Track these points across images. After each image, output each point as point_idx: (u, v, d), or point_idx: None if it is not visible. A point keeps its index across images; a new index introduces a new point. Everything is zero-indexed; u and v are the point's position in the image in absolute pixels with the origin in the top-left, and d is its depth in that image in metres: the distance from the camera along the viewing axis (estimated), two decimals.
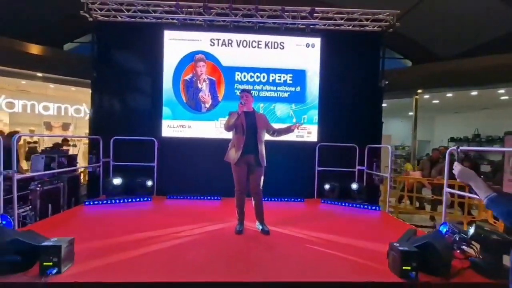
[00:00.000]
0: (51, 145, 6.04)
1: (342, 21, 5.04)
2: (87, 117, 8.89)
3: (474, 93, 8.19)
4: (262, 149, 3.20)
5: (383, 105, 5.39)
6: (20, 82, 7.72)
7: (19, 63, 7.17)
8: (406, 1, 7.29)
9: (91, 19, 4.98)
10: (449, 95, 8.59)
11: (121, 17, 5.02)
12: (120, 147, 4.89)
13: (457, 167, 1.56)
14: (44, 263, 2.04)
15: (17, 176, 3.09)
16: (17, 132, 4.42)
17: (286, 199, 4.85)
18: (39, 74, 7.45)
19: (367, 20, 5.05)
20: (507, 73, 6.99)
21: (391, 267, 2.28)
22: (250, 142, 3.13)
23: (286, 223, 3.52)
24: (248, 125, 3.14)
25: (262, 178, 3.23)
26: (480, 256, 2.39)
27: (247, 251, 2.70)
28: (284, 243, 2.92)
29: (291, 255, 2.62)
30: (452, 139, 11.58)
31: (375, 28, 5.15)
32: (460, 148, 1.86)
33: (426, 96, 8.85)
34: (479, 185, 1.43)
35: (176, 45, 4.99)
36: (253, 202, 3.24)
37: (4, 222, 2.47)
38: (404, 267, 2.14)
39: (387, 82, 5.26)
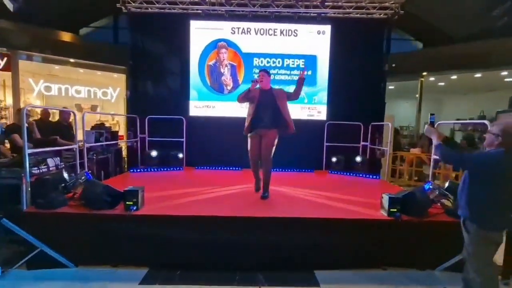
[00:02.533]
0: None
1: (351, 10, 5.53)
2: (113, 99, 9.73)
3: (478, 75, 8.56)
4: (285, 119, 3.42)
5: (390, 87, 5.94)
6: (54, 67, 8.48)
7: (53, 50, 7.88)
8: None
9: (125, 11, 5.60)
10: (454, 77, 8.97)
11: (152, 9, 5.62)
12: (153, 125, 5.65)
13: (426, 126, 2.30)
14: (127, 203, 2.84)
15: (86, 145, 3.88)
16: (65, 108, 5.20)
17: (297, 170, 5.56)
18: (72, 60, 8.17)
19: (374, 8, 5.52)
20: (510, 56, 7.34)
21: (382, 210, 3.00)
22: (262, 118, 3.41)
23: (297, 186, 4.25)
24: (263, 102, 3.39)
25: (274, 148, 3.46)
26: (450, 204, 3.08)
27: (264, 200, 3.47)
28: (296, 196, 3.69)
29: (300, 202, 3.38)
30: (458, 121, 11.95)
31: (381, 15, 5.62)
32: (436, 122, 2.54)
33: (432, 79, 9.25)
34: (435, 137, 2.14)
35: (201, 34, 5.60)
36: (262, 169, 3.52)
37: (88, 177, 3.28)
38: (391, 209, 2.87)
39: (393, 65, 5.78)
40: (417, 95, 10.83)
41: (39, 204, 2.76)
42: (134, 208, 2.83)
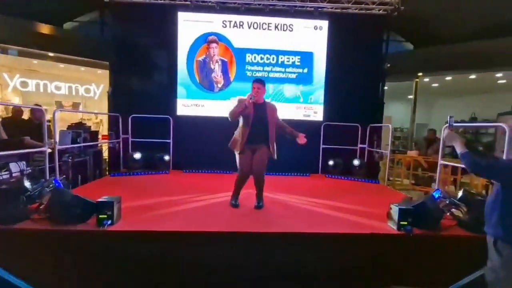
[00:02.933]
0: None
1: (349, 4, 5.24)
2: (97, 96, 9.17)
3: (472, 76, 8.46)
4: (274, 140, 3.15)
5: (384, 88, 5.70)
6: (32, 62, 7.88)
7: (31, 43, 7.29)
8: None
9: (107, 0, 5.14)
10: (448, 78, 8.86)
11: None
12: (137, 124, 5.21)
13: (445, 130, 1.98)
14: (100, 216, 2.43)
15: (58, 147, 3.43)
16: (39, 105, 4.70)
17: (292, 174, 5.25)
18: (51, 54, 7.59)
19: (373, 3, 5.25)
20: (506, 57, 7.24)
21: (390, 223, 2.69)
22: (257, 134, 3.07)
23: (294, 193, 3.93)
24: (256, 118, 3.06)
25: (266, 161, 3.16)
26: (464, 216, 2.81)
27: (260, 211, 3.12)
28: (294, 206, 3.35)
29: (300, 213, 3.04)
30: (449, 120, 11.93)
31: (380, 11, 5.35)
32: (454, 123, 2.21)
33: (426, 80, 9.11)
34: (458, 144, 1.84)
35: (189, 27, 5.20)
36: (254, 182, 3.19)
37: (56, 185, 2.84)
38: (401, 222, 2.57)
39: (389, 65, 5.54)
40: (409, 96, 10.74)
41: None
42: (109, 222, 2.43)
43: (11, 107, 5.01)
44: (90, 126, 5.38)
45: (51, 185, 2.81)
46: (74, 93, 8.65)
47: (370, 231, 2.58)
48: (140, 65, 5.34)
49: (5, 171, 2.95)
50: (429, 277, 2.58)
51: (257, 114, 3.07)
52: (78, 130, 4.67)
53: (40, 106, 4.90)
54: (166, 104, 5.30)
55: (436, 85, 9.86)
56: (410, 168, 6.41)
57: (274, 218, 2.91)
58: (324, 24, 5.29)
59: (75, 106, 9.00)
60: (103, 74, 8.92)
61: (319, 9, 5.22)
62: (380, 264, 2.53)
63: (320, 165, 5.49)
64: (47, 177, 3.22)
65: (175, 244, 2.39)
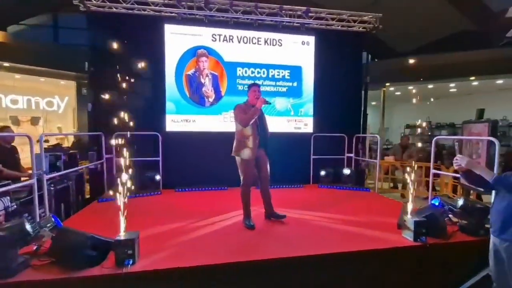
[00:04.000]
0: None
1: (333, 22, 5.50)
2: (61, 110, 8.34)
3: (430, 86, 9.43)
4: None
5: None
6: None
7: None
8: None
9: (84, 9, 4.73)
10: (411, 87, 9.75)
11: (117, 8, 4.84)
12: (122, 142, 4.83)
13: (464, 159, 2.17)
14: (121, 256, 2.19)
15: (46, 176, 3.04)
16: (7, 127, 4.12)
17: (286, 186, 5.29)
18: (6, 64, 6.75)
19: (354, 21, 5.58)
20: (457, 69, 8.21)
21: (406, 234, 2.85)
22: (261, 138, 3.19)
23: (292, 206, 3.92)
24: (260, 122, 3.20)
25: None
26: (465, 222, 3.09)
27: (276, 230, 3.09)
28: (300, 220, 3.40)
29: (317, 232, 3.08)
30: (407, 126, 13.09)
31: (360, 28, 5.71)
32: (437, 137, 2.44)
33: (391, 88, 9.92)
34: (483, 169, 2.04)
35: (177, 39, 5.01)
36: (262, 188, 3.31)
37: (56, 223, 2.51)
38: (417, 233, 2.73)
39: (369, 78, 5.93)
40: (372, 103, 11.63)
41: None
42: (130, 262, 2.20)
43: None
44: (69, 147, 4.86)
45: (49, 224, 2.49)
46: (34, 107, 7.76)
47: (392, 245, 2.70)
48: (123, 80, 4.97)
49: None
50: (442, 281, 2.78)
51: (260, 119, 3.22)
52: (57, 153, 4.19)
53: (9, 126, 4.32)
54: (154, 120, 5.01)
55: (399, 93, 10.76)
56: (389, 173, 6.88)
57: (292, 238, 2.88)
58: (311, 39, 5.48)
59: (34, 121, 8.08)
60: (68, 85, 8.18)
61: (306, 25, 5.40)
62: (408, 275, 2.65)
63: (311, 175, 5.62)
64: (37, 214, 2.84)
65: (210, 276, 2.26)
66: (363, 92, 6.01)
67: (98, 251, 2.22)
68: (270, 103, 3.22)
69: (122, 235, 2.28)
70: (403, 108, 14.31)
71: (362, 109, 5.98)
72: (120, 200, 2.40)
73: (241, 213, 3.32)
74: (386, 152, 8.46)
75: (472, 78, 8.33)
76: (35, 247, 2.38)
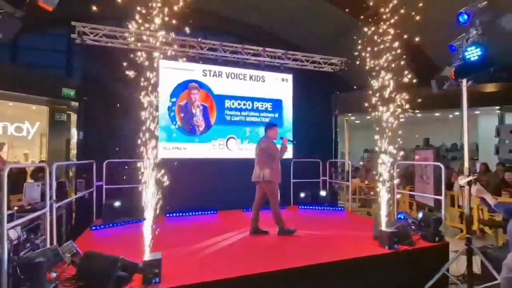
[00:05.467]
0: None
1: (307, 63, 6.40)
2: (31, 136, 7.95)
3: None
4: None
5: None
6: None
7: None
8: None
9: (79, 42, 4.95)
10: (368, 117, 11.10)
11: (113, 43, 5.15)
12: (112, 170, 4.93)
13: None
14: (148, 275, 2.43)
15: (56, 205, 3.13)
16: None
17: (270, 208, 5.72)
18: None
19: (324, 63, 6.55)
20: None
21: (382, 244, 3.46)
22: None
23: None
24: None
25: None
26: (424, 231, 3.81)
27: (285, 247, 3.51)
28: (298, 239, 3.86)
29: (304, 245, 3.56)
30: (366, 150, 14.56)
31: (329, 69, 6.69)
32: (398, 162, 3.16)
33: (352, 118, 11.21)
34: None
35: (170, 73, 5.41)
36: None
37: (77, 249, 2.64)
38: (391, 242, 3.36)
39: (337, 111, 6.87)
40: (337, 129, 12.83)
41: None
42: (157, 280, 2.44)
43: None
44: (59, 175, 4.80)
45: (70, 250, 2.62)
46: (2, 132, 7.33)
47: (371, 253, 3.27)
48: (115, 108, 5.15)
49: None
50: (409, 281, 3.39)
51: None
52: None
53: None
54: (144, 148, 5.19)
55: (358, 121, 12.14)
56: (356, 193, 7.73)
57: (298, 250, 3.34)
58: (289, 77, 6.28)
59: None
60: (39, 111, 7.92)
61: (285, 65, 6.20)
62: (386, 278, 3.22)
63: (292, 197, 6.16)
64: (50, 243, 2.91)
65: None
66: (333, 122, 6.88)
67: (127, 272, 2.43)
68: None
69: (148, 256, 2.52)
70: (361, 134, 15.91)
71: (333, 137, 6.81)
72: (148, 223, 2.64)
73: (239, 232, 3.95)
74: (353, 174, 9.39)
75: (417, 111, 9.88)
76: (53, 274, 2.49)
